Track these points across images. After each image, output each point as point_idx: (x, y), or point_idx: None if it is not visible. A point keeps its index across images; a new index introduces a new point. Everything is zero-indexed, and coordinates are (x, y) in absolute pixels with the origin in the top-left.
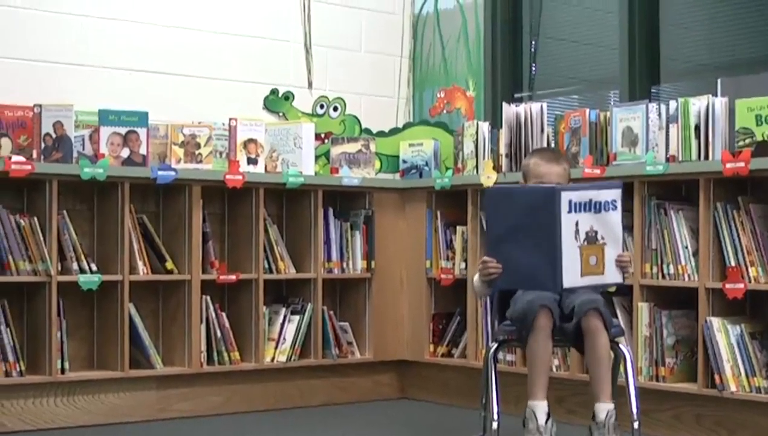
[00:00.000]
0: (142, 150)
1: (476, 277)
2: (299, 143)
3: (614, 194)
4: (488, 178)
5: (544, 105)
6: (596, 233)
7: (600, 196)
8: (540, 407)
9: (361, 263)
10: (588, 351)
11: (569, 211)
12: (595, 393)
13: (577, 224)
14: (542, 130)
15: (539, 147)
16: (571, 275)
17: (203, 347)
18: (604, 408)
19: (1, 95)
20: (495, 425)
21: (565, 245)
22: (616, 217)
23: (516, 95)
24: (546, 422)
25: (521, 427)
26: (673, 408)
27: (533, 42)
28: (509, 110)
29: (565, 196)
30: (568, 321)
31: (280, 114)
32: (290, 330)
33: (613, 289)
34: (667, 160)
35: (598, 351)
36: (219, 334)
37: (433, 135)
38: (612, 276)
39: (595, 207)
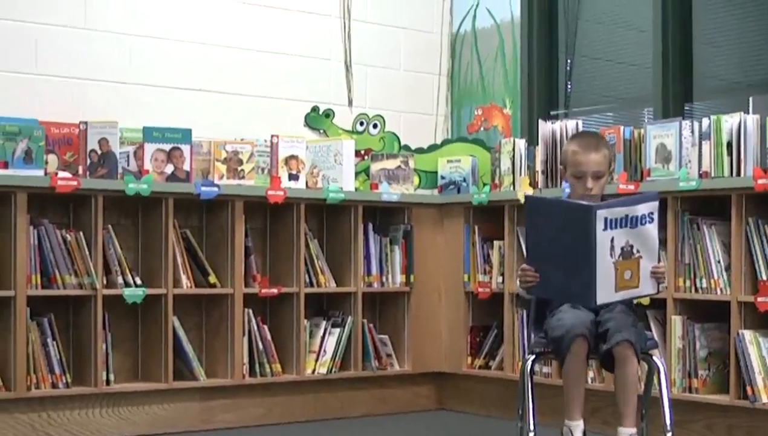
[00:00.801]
0: (186, 166)
1: (517, 282)
2: (339, 160)
3: (651, 207)
4: (525, 194)
5: (580, 122)
6: (632, 247)
7: (636, 210)
8: (577, 426)
9: (400, 277)
10: (618, 377)
11: (605, 229)
12: (620, 416)
13: (612, 240)
14: None
15: (580, 131)
16: (605, 292)
17: (245, 359)
18: (627, 432)
19: (48, 112)
20: (531, 435)
21: (600, 263)
22: (652, 229)
23: (552, 113)
24: None
25: None
26: (706, 419)
27: (569, 61)
28: (545, 127)
29: (601, 215)
30: (601, 339)
31: (321, 131)
32: (331, 343)
33: (646, 300)
34: (700, 176)
35: (628, 379)
36: (261, 346)
37: (471, 152)
38: (647, 288)
39: (631, 222)
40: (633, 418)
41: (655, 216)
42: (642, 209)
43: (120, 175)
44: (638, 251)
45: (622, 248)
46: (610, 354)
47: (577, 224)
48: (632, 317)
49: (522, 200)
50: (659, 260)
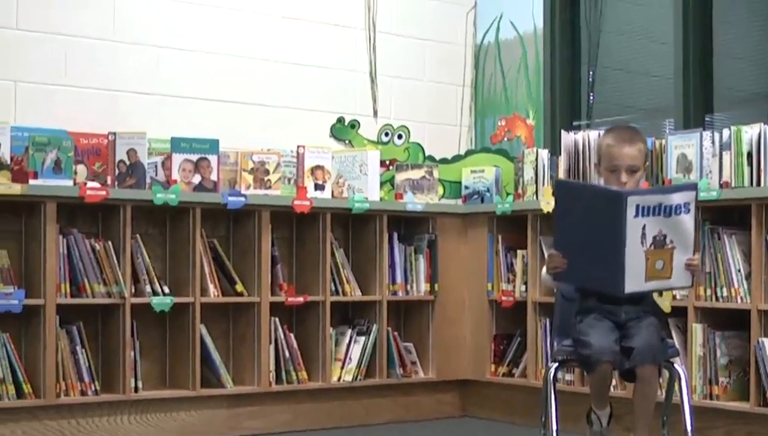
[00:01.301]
0: (213, 176)
1: (544, 269)
2: (365, 170)
3: (687, 197)
4: (548, 203)
5: (602, 133)
6: (665, 236)
7: (671, 199)
8: (603, 414)
9: (424, 286)
10: (638, 392)
11: (636, 216)
12: (634, 427)
13: (644, 228)
14: None
15: (615, 125)
16: (635, 281)
17: (272, 367)
18: None
19: (77, 123)
20: None
21: (629, 250)
22: (687, 220)
23: (574, 123)
24: (608, 424)
25: None
26: (726, 426)
27: (591, 72)
28: (568, 138)
29: (632, 201)
30: (626, 354)
31: (347, 141)
32: (356, 350)
33: (668, 308)
34: (721, 186)
35: (648, 397)
36: (287, 354)
37: (495, 162)
38: (680, 280)
39: (665, 211)
40: (647, 429)
41: (692, 207)
42: (677, 199)
43: (148, 185)
44: (672, 242)
45: (654, 237)
46: (632, 370)
47: (607, 210)
48: (658, 331)
49: (546, 211)
50: (695, 252)
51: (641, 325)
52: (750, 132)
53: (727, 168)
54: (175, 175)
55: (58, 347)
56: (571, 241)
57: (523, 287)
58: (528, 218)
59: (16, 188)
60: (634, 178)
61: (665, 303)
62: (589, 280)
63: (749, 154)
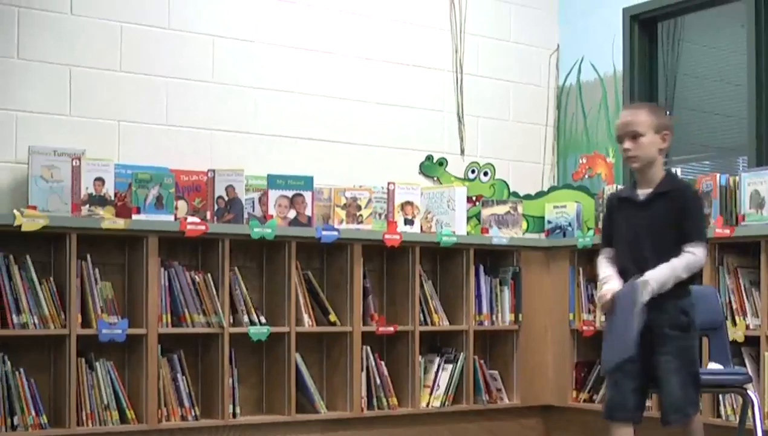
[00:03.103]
0: (308, 211)
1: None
2: (452, 205)
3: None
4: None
5: (678, 170)
6: None
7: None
8: None
9: (509, 316)
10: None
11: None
12: None
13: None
14: None
15: None
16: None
17: (364, 393)
18: None
19: (178, 161)
20: None
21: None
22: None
23: None
24: None
25: None
26: None
27: (668, 112)
28: None
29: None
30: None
31: (435, 178)
32: (444, 378)
33: (741, 338)
34: None
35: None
36: (378, 381)
37: (576, 198)
38: None
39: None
40: None
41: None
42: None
43: (246, 220)
44: None
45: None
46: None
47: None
48: (686, 372)
49: None
50: None
51: (669, 368)
52: None
53: None
54: (272, 210)
55: (160, 374)
56: (617, 303)
57: (603, 317)
58: None
59: (120, 223)
60: (638, 145)
61: (738, 333)
62: (607, 334)
63: None
